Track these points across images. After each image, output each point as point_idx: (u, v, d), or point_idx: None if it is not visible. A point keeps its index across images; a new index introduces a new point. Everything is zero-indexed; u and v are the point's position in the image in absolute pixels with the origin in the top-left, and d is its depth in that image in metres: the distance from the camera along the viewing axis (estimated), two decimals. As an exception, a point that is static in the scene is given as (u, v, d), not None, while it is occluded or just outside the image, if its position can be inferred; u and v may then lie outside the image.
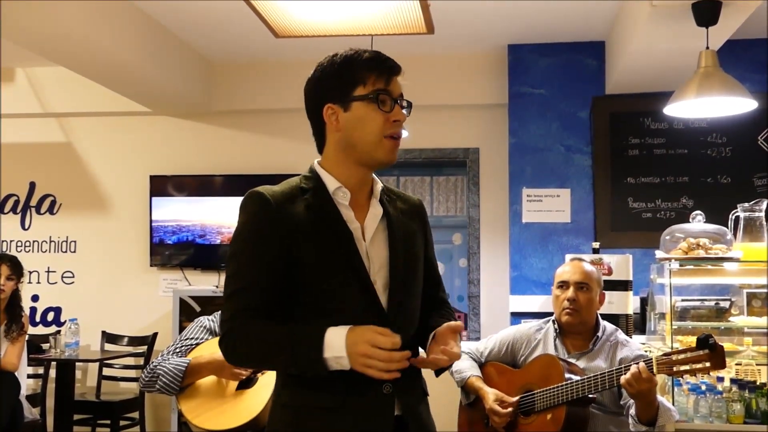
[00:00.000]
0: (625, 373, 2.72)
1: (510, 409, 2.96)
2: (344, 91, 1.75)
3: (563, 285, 3.19)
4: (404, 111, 1.79)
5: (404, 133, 1.96)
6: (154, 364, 3.04)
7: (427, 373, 1.86)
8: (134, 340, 5.76)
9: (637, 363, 2.70)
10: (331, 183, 1.78)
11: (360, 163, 1.79)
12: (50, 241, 6.21)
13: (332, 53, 1.80)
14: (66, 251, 6.19)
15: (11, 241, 6.23)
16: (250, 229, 1.74)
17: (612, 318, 3.73)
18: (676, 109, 3.83)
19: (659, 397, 2.84)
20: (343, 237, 1.74)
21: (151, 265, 5.98)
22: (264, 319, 1.71)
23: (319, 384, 1.69)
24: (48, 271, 6.19)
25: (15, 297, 4.75)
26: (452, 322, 1.80)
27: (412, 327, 1.83)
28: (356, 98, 1.74)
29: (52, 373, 5.43)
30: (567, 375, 2.90)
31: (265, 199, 1.74)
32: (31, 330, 5.89)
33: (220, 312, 3.26)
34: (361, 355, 1.60)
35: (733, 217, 3.68)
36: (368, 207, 1.82)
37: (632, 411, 2.86)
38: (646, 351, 3.47)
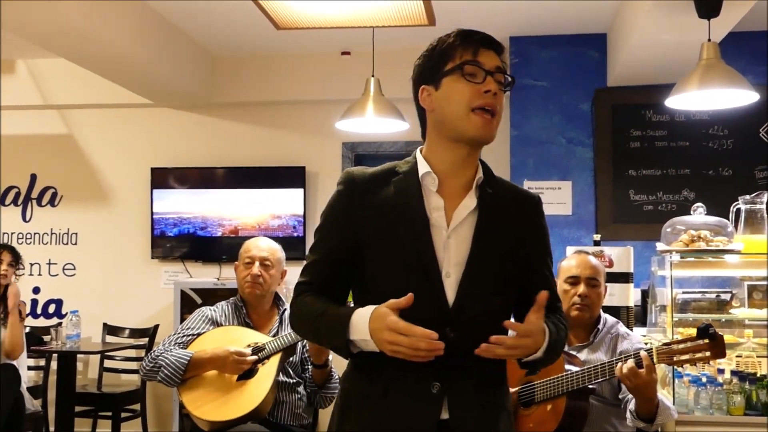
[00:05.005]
0: (625, 362, 2.71)
1: (509, 400, 2.96)
2: (435, 71, 1.71)
3: (573, 280, 3.17)
4: (504, 89, 1.70)
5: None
6: (156, 353, 3.04)
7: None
8: (135, 332, 5.77)
9: (637, 354, 2.69)
10: (422, 167, 1.73)
11: (453, 140, 1.71)
12: (51, 233, 6.22)
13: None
14: (67, 243, 6.19)
15: (12, 233, 6.23)
16: (331, 207, 1.78)
17: (613, 310, 3.73)
18: (677, 102, 3.82)
19: (660, 395, 2.83)
20: (417, 223, 1.68)
21: (152, 258, 5.98)
22: (324, 295, 1.73)
23: (368, 370, 1.68)
24: (49, 263, 6.20)
25: (8, 287, 4.76)
26: (538, 297, 1.64)
27: (482, 329, 1.64)
28: (445, 73, 1.69)
29: (54, 365, 5.43)
30: (567, 366, 2.90)
31: (350, 179, 1.76)
32: (33, 322, 5.92)
33: (223, 302, 3.30)
34: (387, 342, 1.56)
35: (734, 210, 3.67)
36: (464, 197, 1.72)
37: (631, 406, 2.85)
38: (646, 343, 3.47)
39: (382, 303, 1.60)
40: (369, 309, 1.61)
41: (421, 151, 1.79)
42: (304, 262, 1.81)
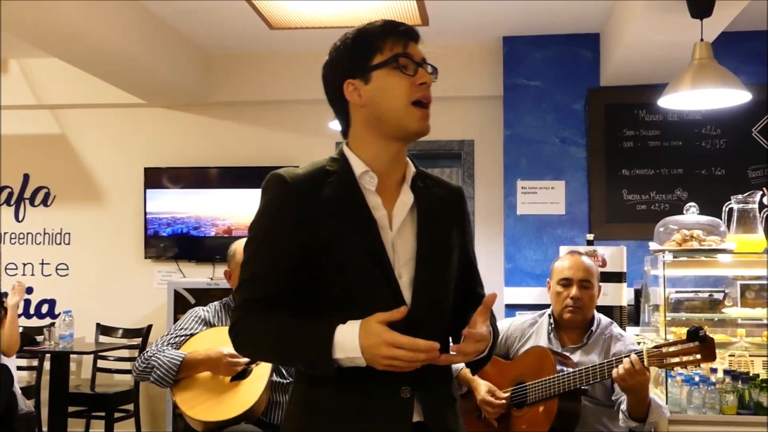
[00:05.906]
0: (616, 366, 2.71)
1: (502, 400, 2.96)
2: (362, 63, 1.66)
3: (565, 282, 3.16)
4: (432, 77, 1.68)
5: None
6: (149, 354, 3.03)
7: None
8: (129, 332, 5.76)
9: (629, 356, 2.70)
10: (357, 166, 1.66)
11: (390, 137, 1.66)
12: (44, 234, 6.20)
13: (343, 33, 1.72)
14: (60, 243, 6.18)
15: (5, 234, 6.20)
16: (267, 214, 1.64)
17: (606, 310, 3.74)
18: (670, 101, 3.83)
19: (651, 394, 2.84)
20: (366, 225, 1.61)
21: (145, 257, 5.97)
22: (276, 310, 1.59)
23: (331, 384, 1.57)
24: (42, 264, 6.18)
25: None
26: (485, 299, 1.62)
27: (441, 326, 1.68)
28: (375, 66, 1.64)
29: (47, 365, 5.42)
30: (559, 367, 2.90)
31: (284, 182, 1.63)
32: (26, 322, 5.89)
33: (216, 302, 3.28)
34: (384, 357, 1.47)
35: (727, 209, 3.68)
36: (399, 194, 1.67)
37: (623, 406, 2.86)
38: (639, 343, 3.47)
39: (342, 311, 1.54)
40: (354, 325, 1.51)
41: (347, 147, 1.72)
42: None
